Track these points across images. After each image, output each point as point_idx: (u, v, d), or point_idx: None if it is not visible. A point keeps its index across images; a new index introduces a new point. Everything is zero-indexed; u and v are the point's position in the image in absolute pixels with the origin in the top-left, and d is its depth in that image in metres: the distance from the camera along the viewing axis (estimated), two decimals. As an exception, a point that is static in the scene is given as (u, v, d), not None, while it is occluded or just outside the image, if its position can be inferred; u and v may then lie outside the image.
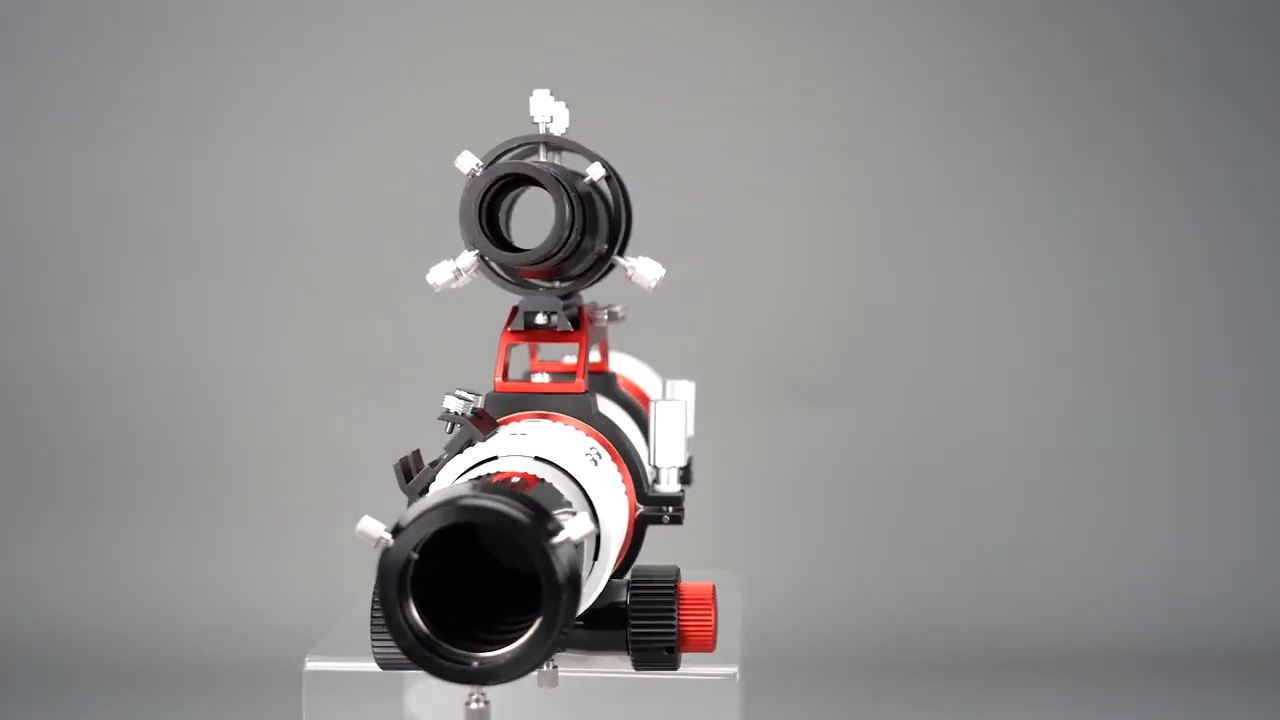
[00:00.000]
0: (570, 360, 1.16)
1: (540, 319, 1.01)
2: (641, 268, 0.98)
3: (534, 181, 0.85)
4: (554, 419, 0.96)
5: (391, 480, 0.98)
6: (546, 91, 0.99)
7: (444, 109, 2.34)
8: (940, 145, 2.46)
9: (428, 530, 0.72)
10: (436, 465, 0.88)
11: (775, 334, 2.38)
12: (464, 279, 0.98)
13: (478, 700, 0.81)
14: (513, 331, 1.01)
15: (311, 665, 0.98)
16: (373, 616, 0.88)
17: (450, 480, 0.85)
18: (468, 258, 0.97)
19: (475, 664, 0.73)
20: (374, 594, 0.82)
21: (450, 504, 0.71)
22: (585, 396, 0.98)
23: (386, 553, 0.72)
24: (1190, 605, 2.26)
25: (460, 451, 0.87)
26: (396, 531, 0.72)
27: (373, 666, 0.92)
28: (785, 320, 2.39)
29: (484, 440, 0.87)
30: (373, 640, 0.88)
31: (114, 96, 2.32)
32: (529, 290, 1.00)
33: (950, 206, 2.47)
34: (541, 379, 1.01)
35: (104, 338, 2.31)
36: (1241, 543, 2.37)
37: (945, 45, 2.48)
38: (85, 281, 2.33)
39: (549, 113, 0.99)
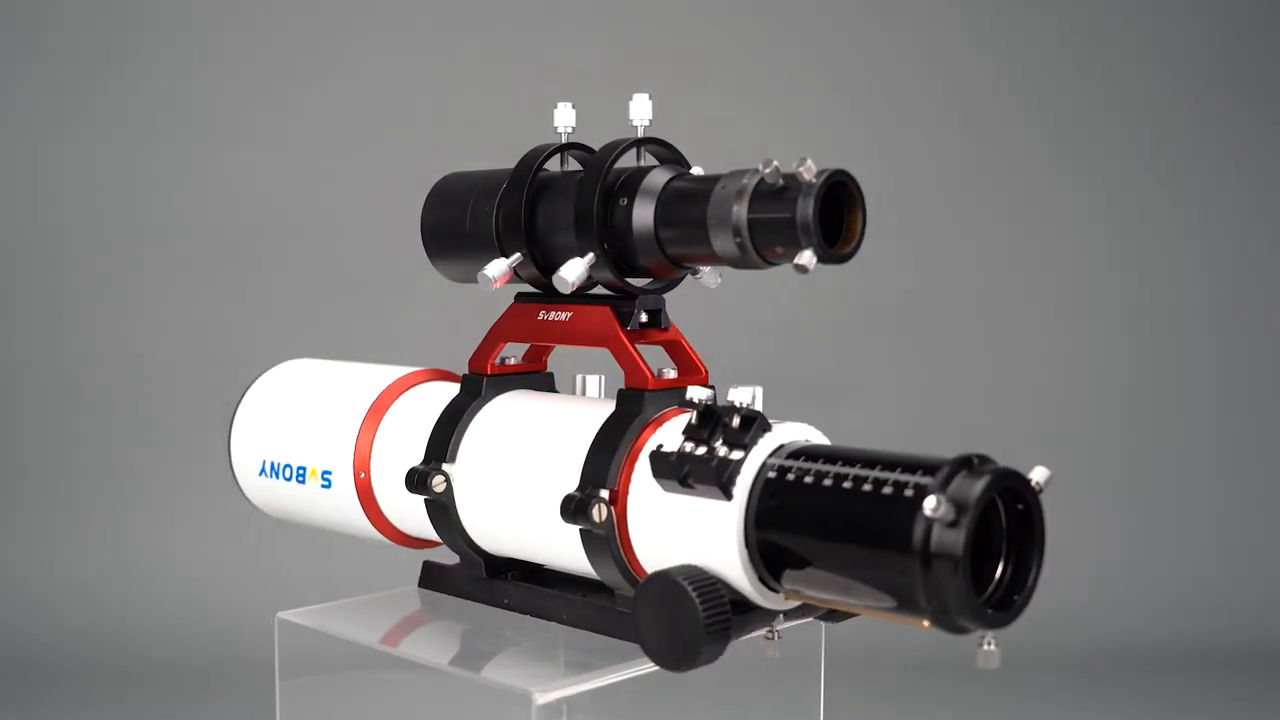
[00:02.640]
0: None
1: (644, 317, 1.04)
2: (707, 271, 1.06)
3: (848, 188, 0.92)
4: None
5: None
6: (645, 96, 1.02)
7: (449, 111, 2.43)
8: (943, 144, 2.47)
9: (988, 498, 0.82)
10: (722, 457, 0.90)
11: (780, 333, 2.34)
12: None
13: (989, 643, 0.87)
14: (633, 330, 1.02)
15: (542, 699, 0.88)
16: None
17: (756, 468, 0.90)
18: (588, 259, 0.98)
19: (990, 611, 0.84)
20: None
21: (995, 479, 0.82)
22: (713, 387, 1.04)
23: (957, 526, 0.80)
24: (1196, 606, 2.28)
25: (756, 444, 0.91)
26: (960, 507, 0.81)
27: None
28: (790, 319, 2.35)
29: (771, 431, 0.92)
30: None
31: (108, 95, 2.38)
32: (636, 291, 1.03)
33: (958, 207, 2.47)
34: (673, 374, 1.03)
35: (99, 337, 2.36)
36: (1249, 545, 2.42)
37: (946, 44, 2.51)
38: (90, 280, 2.37)
39: (646, 115, 1.02)
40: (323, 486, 1.19)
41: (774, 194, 0.91)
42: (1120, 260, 2.61)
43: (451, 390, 1.17)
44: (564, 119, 1.09)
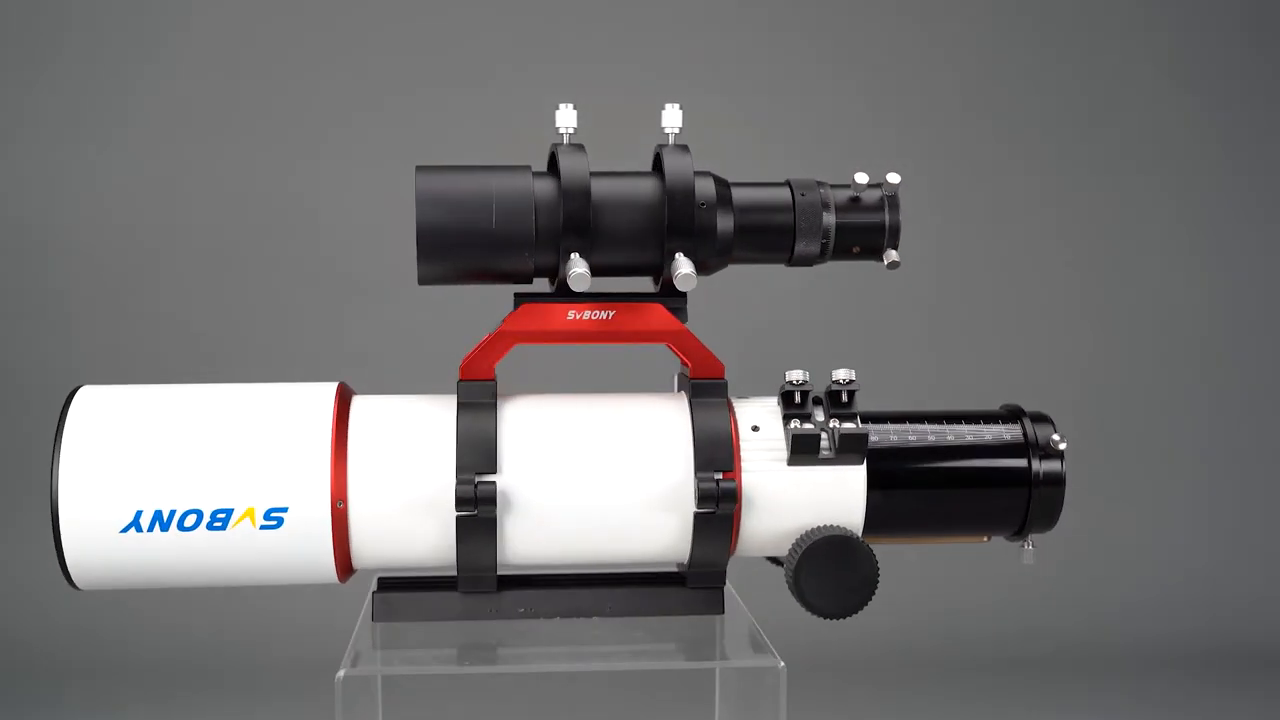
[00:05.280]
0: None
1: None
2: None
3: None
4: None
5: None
6: (676, 105, 1.09)
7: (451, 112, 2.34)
8: (932, 143, 2.39)
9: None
10: (853, 429, 1.05)
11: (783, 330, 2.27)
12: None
13: (1031, 544, 1.07)
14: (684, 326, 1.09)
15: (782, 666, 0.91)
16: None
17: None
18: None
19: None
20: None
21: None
22: None
23: (1057, 457, 1.09)
24: (1196, 605, 2.17)
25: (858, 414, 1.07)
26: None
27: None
28: (793, 316, 2.28)
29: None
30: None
31: (109, 94, 2.34)
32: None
33: (941, 207, 2.35)
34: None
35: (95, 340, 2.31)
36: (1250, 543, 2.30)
37: (937, 43, 2.40)
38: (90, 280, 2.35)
39: (677, 124, 1.09)
40: (265, 527, 1.00)
41: (852, 203, 1.09)
42: (1124, 260, 2.49)
43: (393, 402, 1.08)
44: (566, 120, 1.08)
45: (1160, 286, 2.44)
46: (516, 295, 1.10)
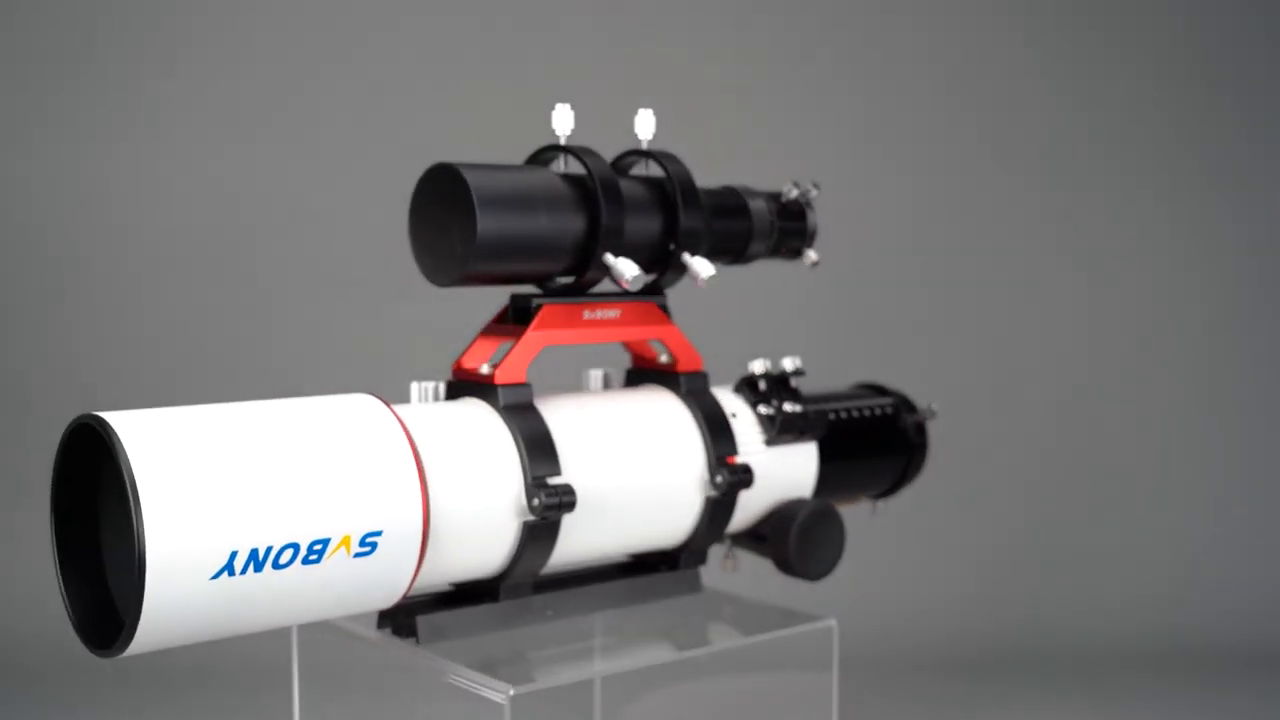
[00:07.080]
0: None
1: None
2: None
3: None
4: None
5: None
6: (650, 111, 1.14)
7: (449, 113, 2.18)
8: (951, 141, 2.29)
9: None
10: (814, 410, 1.18)
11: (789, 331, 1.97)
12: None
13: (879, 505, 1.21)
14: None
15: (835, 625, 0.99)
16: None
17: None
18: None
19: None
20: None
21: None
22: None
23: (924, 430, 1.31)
24: (1200, 604, 2.17)
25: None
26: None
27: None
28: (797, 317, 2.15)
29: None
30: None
31: (112, 93, 2.19)
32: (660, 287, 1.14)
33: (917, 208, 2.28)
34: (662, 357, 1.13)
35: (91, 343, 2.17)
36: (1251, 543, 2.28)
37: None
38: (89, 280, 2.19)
39: (650, 129, 1.14)
40: (359, 555, 0.90)
41: (785, 207, 1.21)
42: (1119, 260, 2.36)
43: (433, 411, 1.01)
44: (564, 121, 1.07)
45: (1157, 287, 2.38)
46: (513, 296, 1.08)
